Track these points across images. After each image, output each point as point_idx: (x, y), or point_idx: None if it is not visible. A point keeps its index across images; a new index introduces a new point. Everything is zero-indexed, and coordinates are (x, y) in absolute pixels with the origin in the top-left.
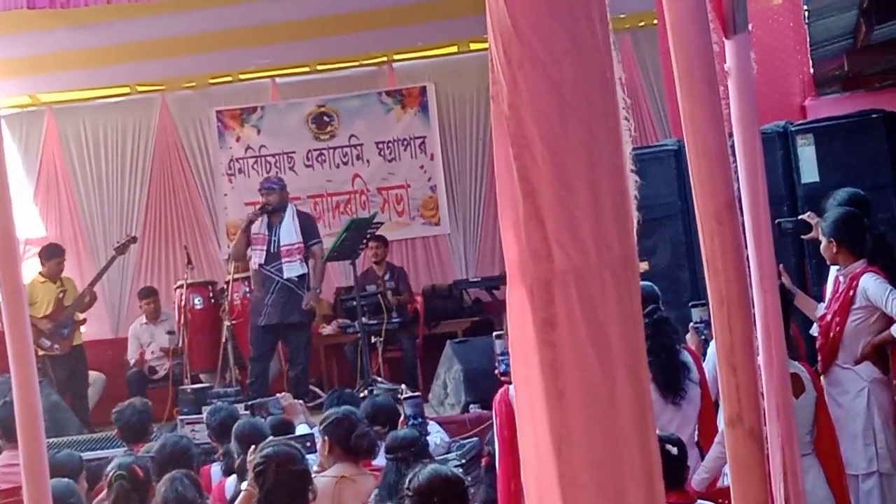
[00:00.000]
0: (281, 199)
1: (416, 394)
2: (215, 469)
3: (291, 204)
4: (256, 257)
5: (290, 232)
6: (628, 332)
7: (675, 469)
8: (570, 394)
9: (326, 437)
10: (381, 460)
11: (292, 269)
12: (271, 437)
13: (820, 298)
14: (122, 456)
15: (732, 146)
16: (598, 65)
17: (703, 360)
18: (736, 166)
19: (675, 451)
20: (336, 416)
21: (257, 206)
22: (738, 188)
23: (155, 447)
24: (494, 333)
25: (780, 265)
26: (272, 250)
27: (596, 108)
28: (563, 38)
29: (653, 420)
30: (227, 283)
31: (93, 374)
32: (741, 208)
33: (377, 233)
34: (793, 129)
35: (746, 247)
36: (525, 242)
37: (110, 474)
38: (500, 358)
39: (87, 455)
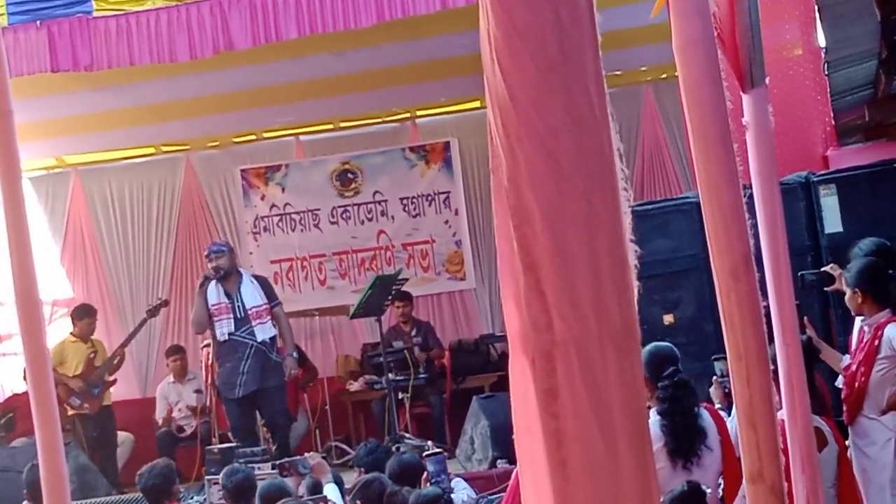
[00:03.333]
0: (231, 262)
1: (439, 450)
2: None
3: (243, 268)
4: (224, 328)
5: (253, 294)
6: (630, 400)
7: None
8: (572, 463)
9: (359, 502)
10: None
11: (265, 331)
12: (287, 499)
13: (845, 350)
14: None
15: (751, 199)
16: (595, 137)
17: (729, 414)
18: (755, 220)
19: (707, 490)
20: (365, 480)
21: (207, 272)
22: (759, 242)
23: None
24: None
25: (806, 317)
26: (239, 315)
27: (594, 181)
28: (560, 112)
29: (656, 487)
30: None
31: (122, 435)
32: (762, 262)
33: (402, 289)
34: (815, 179)
35: (767, 300)
36: (526, 313)
37: None
38: None
39: None
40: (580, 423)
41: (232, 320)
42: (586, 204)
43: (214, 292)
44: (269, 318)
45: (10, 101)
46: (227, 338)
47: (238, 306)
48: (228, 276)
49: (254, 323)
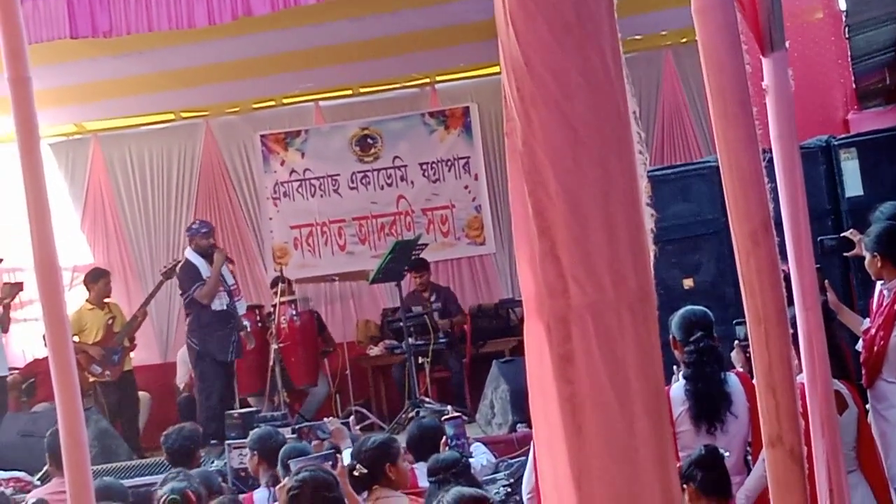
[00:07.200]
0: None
1: (457, 414)
2: (258, 496)
3: None
4: (223, 298)
5: (228, 274)
6: (646, 366)
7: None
8: (588, 429)
9: (358, 464)
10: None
11: (241, 307)
12: (304, 460)
13: (866, 313)
14: (176, 480)
15: (771, 163)
16: (610, 100)
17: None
18: (775, 185)
19: (727, 454)
20: (373, 440)
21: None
22: (779, 206)
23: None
24: None
25: (826, 281)
26: (228, 290)
27: (609, 144)
28: (574, 75)
29: (672, 453)
30: (275, 306)
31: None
32: (782, 226)
33: (418, 258)
34: (836, 143)
35: (787, 265)
36: (541, 278)
37: (163, 498)
38: None
39: (135, 480)
40: (596, 388)
41: (226, 293)
42: (601, 168)
43: (206, 268)
44: (241, 296)
45: (28, 67)
46: (224, 308)
47: (224, 282)
48: (212, 254)
49: (235, 300)
